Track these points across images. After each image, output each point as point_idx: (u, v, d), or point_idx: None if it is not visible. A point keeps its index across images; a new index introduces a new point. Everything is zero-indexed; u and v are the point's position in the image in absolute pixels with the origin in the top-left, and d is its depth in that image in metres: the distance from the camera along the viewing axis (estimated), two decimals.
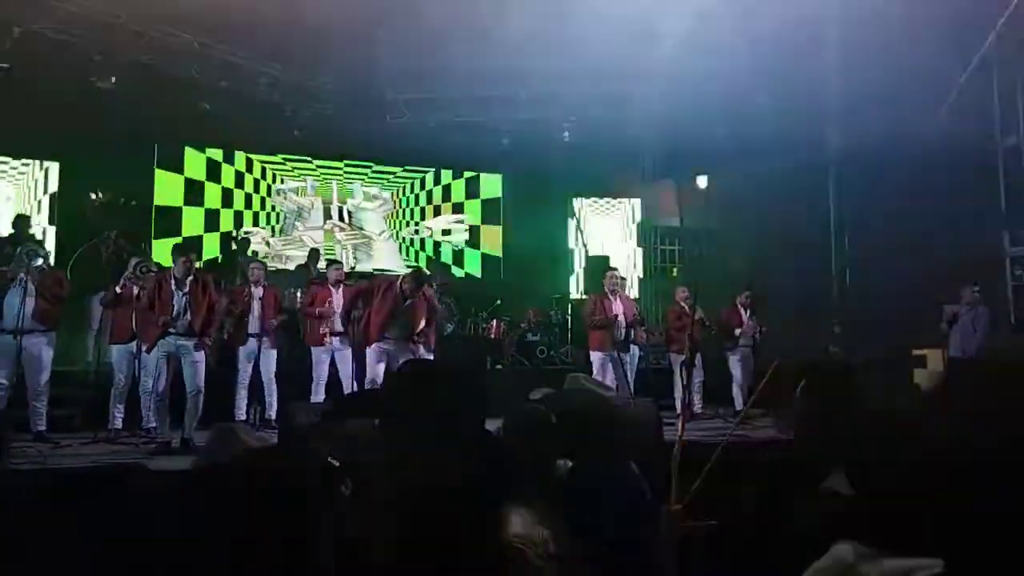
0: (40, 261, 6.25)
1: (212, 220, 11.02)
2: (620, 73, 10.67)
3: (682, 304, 8.57)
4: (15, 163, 9.51)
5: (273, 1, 8.44)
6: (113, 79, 8.66)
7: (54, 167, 9.66)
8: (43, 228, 9.26)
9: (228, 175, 11.23)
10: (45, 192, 9.64)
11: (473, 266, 12.49)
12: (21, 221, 7.93)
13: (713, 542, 3.85)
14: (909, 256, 7.47)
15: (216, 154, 11.13)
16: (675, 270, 12.71)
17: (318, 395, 7.24)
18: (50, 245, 8.95)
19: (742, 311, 8.34)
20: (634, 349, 7.92)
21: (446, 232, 12.51)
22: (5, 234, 8.26)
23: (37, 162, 9.58)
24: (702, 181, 11.96)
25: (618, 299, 7.84)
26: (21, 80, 8.16)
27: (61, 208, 9.60)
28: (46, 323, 6.15)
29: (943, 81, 6.87)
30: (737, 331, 8.25)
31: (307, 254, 10.43)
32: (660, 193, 12.60)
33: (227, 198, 11.17)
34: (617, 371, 7.37)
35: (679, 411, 7.95)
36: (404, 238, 12.29)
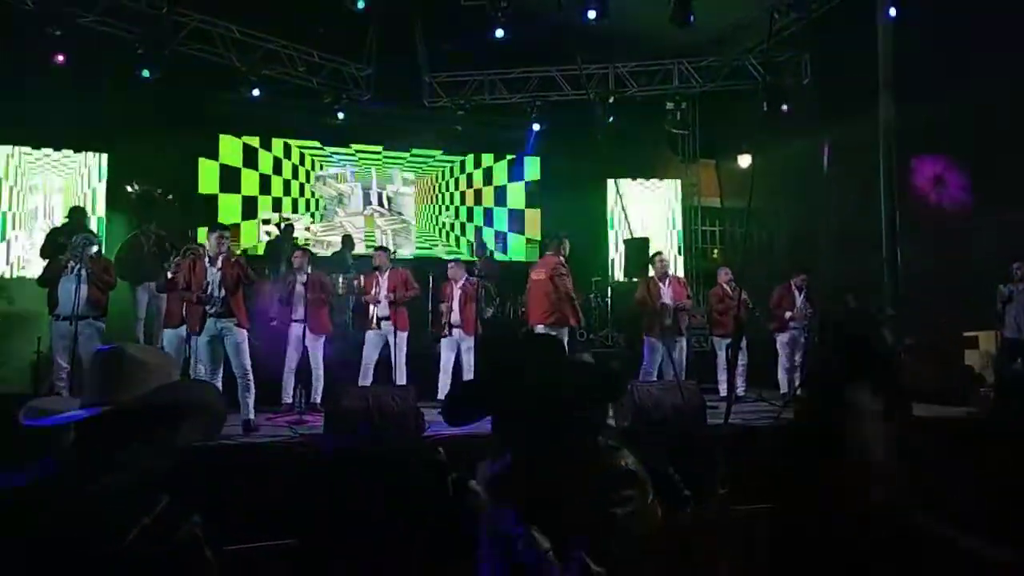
0: (94, 249, 6.43)
1: (250, 207, 11.22)
2: (660, 51, 10.54)
3: (724, 286, 8.45)
4: (65, 155, 9.78)
5: None
6: (157, 71, 8.80)
7: (103, 158, 9.90)
8: (94, 218, 9.53)
9: (266, 162, 11.39)
10: (93, 183, 9.89)
11: (518, 251, 12.47)
12: (76, 212, 8.16)
13: (760, 525, 3.81)
14: (966, 234, 7.24)
15: (254, 141, 11.28)
16: (716, 251, 12.54)
17: (365, 379, 7.32)
18: (103, 235, 9.19)
19: (796, 293, 8.17)
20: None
21: (500, 217, 12.49)
22: (59, 224, 8.52)
23: (87, 153, 9.84)
24: (744, 160, 11.73)
25: (668, 283, 7.76)
26: (72, 73, 8.37)
27: (110, 198, 9.86)
28: (98, 310, 6.36)
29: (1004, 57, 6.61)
30: (788, 314, 8.08)
31: (341, 240, 10.53)
32: (701, 173, 12.41)
33: (265, 185, 11.34)
34: (674, 356, 7.33)
35: (723, 394, 7.87)
36: (443, 223, 12.34)
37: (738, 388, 7.91)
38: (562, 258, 7.29)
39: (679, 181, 12.40)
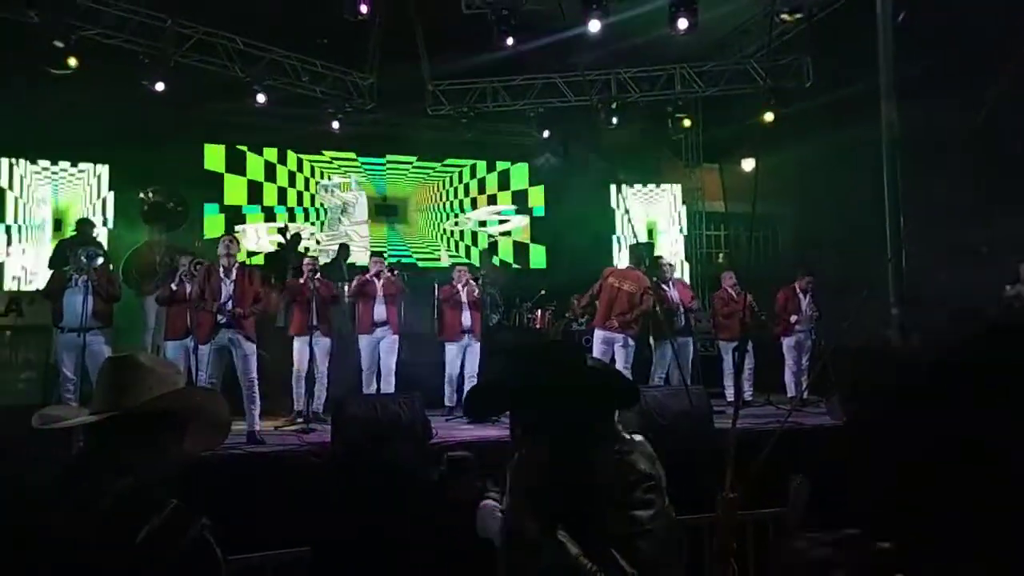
0: (99, 261, 6.46)
1: (256, 216, 11.25)
2: (662, 56, 10.56)
3: (729, 290, 8.45)
4: (71, 167, 9.86)
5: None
6: (162, 82, 8.87)
7: (106, 170, 9.97)
8: (99, 230, 9.59)
9: (272, 172, 11.43)
10: (99, 194, 9.97)
11: (521, 258, 12.49)
12: (82, 224, 8.22)
13: (767, 530, 3.79)
14: (971, 233, 7.22)
15: (259, 151, 11.33)
16: (720, 255, 12.54)
17: (370, 386, 7.33)
18: (105, 246, 9.24)
19: (801, 296, 8.17)
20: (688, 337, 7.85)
21: (492, 224, 12.53)
22: (67, 237, 8.59)
23: (92, 165, 9.91)
24: (748, 164, 11.75)
25: (672, 286, 7.77)
26: (77, 85, 8.44)
27: (115, 210, 9.93)
28: (103, 321, 6.38)
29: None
30: (794, 317, 8.08)
31: (337, 249, 10.56)
32: (704, 177, 12.42)
33: (270, 194, 11.38)
34: (682, 359, 7.36)
35: (729, 398, 7.87)
36: (446, 230, 12.36)
37: (745, 392, 7.90)
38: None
39: (682, 186, 12.41)
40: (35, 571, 1.52)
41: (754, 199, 11.49)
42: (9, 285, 9.14)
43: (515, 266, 12.28)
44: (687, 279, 11.56)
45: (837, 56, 9.37)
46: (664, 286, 7.73)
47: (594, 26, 8.50)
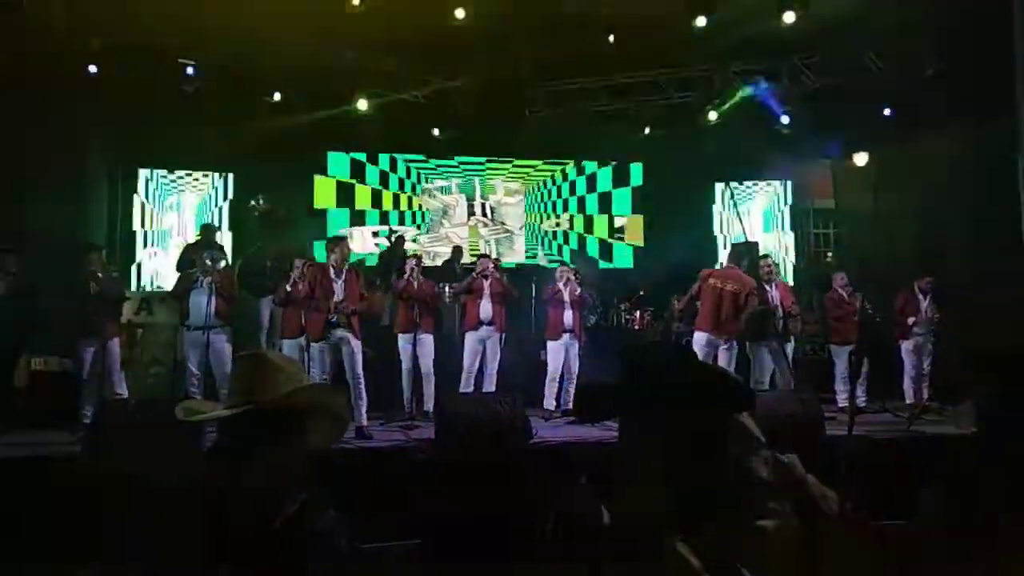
0: (222, 264, 6.89)
1: (361, 220, 11.68)
2: (765, 49, 10.19)
3: (840, 291, 8.07)
4: (195, 176, 10.61)
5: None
6: (278, 94, 9.37)
7: (229, 178, 10.66)
8: (228, 234, 10.29)
9: (374, 176, 11.83)
10: (220, 201, 10.68)
11: (623, 259, 12.39)
12: (206, 229, 8.81)
13: (887, 543, 3.61)
14: None
15: (362, 156, 11.75)
16: (829, 254, 11.99)
17: (468, 385, 7.45)
18: (228, 249, 9.85)
19: (920, 297, 7.71)
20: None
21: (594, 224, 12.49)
22: (192, 240, 9.22)
23: (214, 174, 10.61)
24: (860, 158, 11.15)
25: (775, 287, 7.51)
26: (203, 99, 9.05)
27: (235, 215, 10.57)
28: (224, 319, 6.81)
29: None
30: (911, 319, 7.63)
31: (451, 251, 10.80)
32: (813, 173, 11.90)
33: (374, 198, 11.78)
34: (780, 363, 7.07)
35: (840, 404, 7.51)
36: (546, 231, 12.40)
37: (858, 398, 7.53)
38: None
39: (790, 182, 11.94)
40: (175, 554, 1.64)
41: (873, 195, 10.92)
42: (142, 284, 9.92)
43: (608, 264, 12.18)
44: (791, 279, 11.12)
45: (961, 42, 8.77)
46: (767, 287, 7.47)
47: (700, 21, 8.32)
